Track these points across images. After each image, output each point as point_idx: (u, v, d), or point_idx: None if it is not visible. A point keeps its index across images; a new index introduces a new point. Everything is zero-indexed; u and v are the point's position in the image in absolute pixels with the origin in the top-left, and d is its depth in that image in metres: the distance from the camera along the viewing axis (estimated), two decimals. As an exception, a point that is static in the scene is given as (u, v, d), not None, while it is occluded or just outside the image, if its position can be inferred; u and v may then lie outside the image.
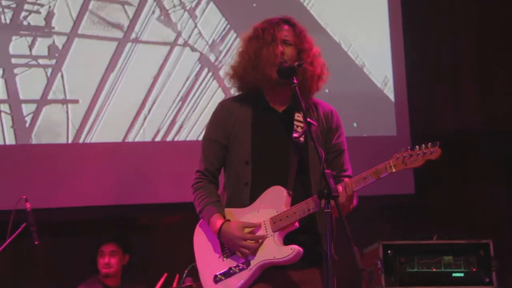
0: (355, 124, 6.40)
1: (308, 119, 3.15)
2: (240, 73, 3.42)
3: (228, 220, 3.30)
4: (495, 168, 6.57)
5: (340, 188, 3.13)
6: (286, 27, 3.40)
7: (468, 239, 5.45)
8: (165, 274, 5.39)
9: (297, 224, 3.24)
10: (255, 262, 3.25)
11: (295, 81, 3.24)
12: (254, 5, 6.47)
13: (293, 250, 3.19)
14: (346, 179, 3.24)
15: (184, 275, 4.83)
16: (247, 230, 3.26)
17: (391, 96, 6.55)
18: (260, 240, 3.24)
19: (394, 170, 3.17)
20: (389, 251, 5.38)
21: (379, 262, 5.32)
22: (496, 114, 6.71)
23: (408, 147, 3.19)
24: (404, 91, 6.58)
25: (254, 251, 3.24)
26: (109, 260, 5.65)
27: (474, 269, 5.38)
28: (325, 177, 3.00)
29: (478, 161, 6.59)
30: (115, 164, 6.06)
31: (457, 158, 6.44)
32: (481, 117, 6.72)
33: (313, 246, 3.28)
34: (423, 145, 3.17)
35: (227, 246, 3.33)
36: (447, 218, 6.41)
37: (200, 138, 5.90)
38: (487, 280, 5.37)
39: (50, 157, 5.98)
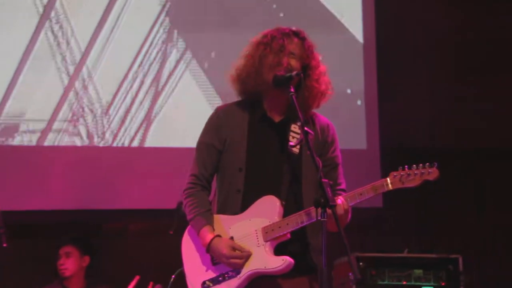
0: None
1: (306, 128, 3.14)
2: (242, 77, 3.41)
3: (219, 236, 3.28)
4: (462, 184, 6.67)
5: (339, 200, 3.15)
6: (296, 40, 3.40)
7: (438, 254, 5.52)
8: (137, 277, 5.35)
9: (289, 235, 3.24)
10: (245, 270, 3.24)
11: (291, 89, 3.24)
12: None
13: (284, 261, 3.20)
14: (342, 195, 3.25)
15: (171, 280, 4.79)
16: (237, 251, 3.25)
17: (362, 107, 6.61)
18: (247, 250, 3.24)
19: (391, 188, 3.20)
20: (361, 263, 5.41)
21: (351, 274, 5.34)
22: (465, 131, 6.82)
23: (406, 166, 3.21)
24: (375, 104, 6.65)
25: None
26: (64, 262, 5.60)
27: (443, 283, 5.44)
28: (322, 186, 2.99)
29: (445, 176, 6.67)
30: (85, 169, 6.00)
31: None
32: (450, 133, 6.82)
33: (303, 256, 3.29)
34: (421, 165, 3.20)
35: None
36: (414, 231, 6.50)
37: (171, 145, 6.09)
38: (456, 294, 5.45)
39: (20, 159, 5.90)
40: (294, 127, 3.36)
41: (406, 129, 6.81)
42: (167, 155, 6.15)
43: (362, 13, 6.74)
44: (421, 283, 5.44)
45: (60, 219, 5.96)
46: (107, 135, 6.13)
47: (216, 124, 3.44)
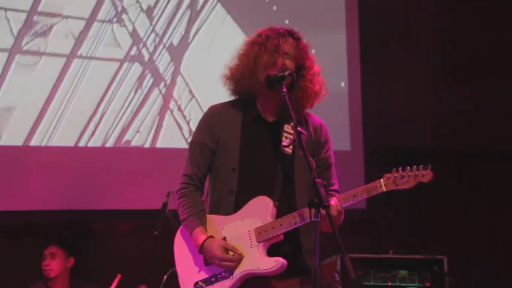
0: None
1: (298, 128, 3.14)
2: (237, 77, 3.38)
3: (212, 237, 3.27)
4: (447, 185, 6.69)
5: (332, 202, 3.14)
6: (290, 40, 3.39)
7: (423, 255, 5.54)
8: (119, 276, 5.34)
9: (282, 236, 3.23)
10: (238, 271, 3.22)
11: (284, 89, 3.24)
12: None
13: (278, 262, 3.18)
14: (335, 196, 3.26)
15: (163, 280, 4.77)
16: (230, 252, 3.23)
17: (346, 108, 6.61)
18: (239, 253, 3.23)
19: (384, 190, 3.21)
20: (346, 264, 5.41)
21: (336, 275, 5.35)
22: (447, 133, 6.85)
23: (400, 168, 3.21)
24: (359, 105, 6.66)
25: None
26: (49, 262, 5.59)
27: (428, 284, 5.47)
28: (316, 187, 2.98)
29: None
30: (72, 169, 5.96)
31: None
32: (432, 135, 6.84)
33: (296, 257, 3.29)
34: (414, 166, 3.20)
35: None
36: (399, 232, 6.54)
37: (157, 146, 6.07)
38: (440, 295, 5.47)
39: (4, 159, 5.84)
40: (287, 127, 3.35)
41: (391, 130, 6.83)
42: (155, 156, 6.12)
43: (345, 12, 6.74)
44: (406, 284, 5.47)
45: (47, 220, 5.92)
46: (97, 135, 6.09)
47: (210, 124, 3.42)
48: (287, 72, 3.27)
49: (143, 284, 5.37)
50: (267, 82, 3.30)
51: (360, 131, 6.65)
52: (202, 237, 3.26)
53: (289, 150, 3.33)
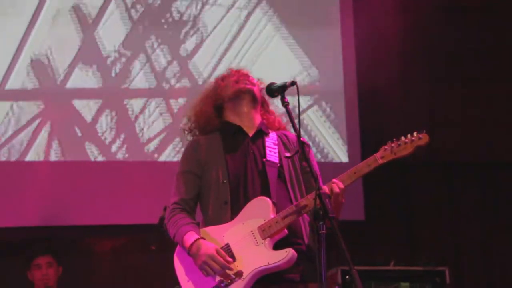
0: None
1: (302, 139, 3.20)
2: (204, 111, 3.52)
3: (203, 238, 3.23)
4: (438, 198, 6.66)
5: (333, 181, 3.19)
6: (243, 71, 3.56)
7: (425, 266, 5.49)
8: None
9: (286, 230, 3.20)
10: (249, 270, 3.16)
11: (285, 99, 3.25)
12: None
13: (288, 252, 3.15)
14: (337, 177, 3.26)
15: None
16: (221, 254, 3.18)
17: (343, 119, 6.57)
18: (228, 262, 3.16)
19: (384, 161, 3.21)
20: (347, 276, 5.36)
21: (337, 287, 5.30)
22: (440, 146, 6.79)
23: (394, 138, 3.22)
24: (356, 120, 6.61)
25: (240, 263, 3.17)
26: (47, 272, 5.57)
27: (430, 296, 5.42)
28: (320, 198, 2.96)
29: (421, 190, 6.68)
30: (57, 184, 5.93)
31: (402, 188, 6.55)
32: (427, 148, 6.77)
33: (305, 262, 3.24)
34: (409, 134, 3.21)
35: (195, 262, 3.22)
36: (395, 244, 6.47)
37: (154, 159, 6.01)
38: (443, 306, 5.41)
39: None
40: (269, 143, 3.41)
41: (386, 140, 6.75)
42: (144, 170, 6.06)
43: (340, 14, 6.69)
44: (408, 296, 5.41)
45: (22, 236, 5.93)
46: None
47: (191, 151, 3.48)
48: (288, 82, 3.25)
49: None
50: (268, 92, 3.31)
51: (357, 142, 6.59)
52: (193, 238, 3.22)
53: (275, 158, 3.35)
